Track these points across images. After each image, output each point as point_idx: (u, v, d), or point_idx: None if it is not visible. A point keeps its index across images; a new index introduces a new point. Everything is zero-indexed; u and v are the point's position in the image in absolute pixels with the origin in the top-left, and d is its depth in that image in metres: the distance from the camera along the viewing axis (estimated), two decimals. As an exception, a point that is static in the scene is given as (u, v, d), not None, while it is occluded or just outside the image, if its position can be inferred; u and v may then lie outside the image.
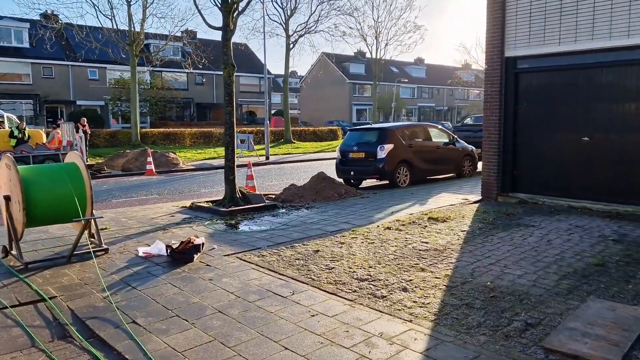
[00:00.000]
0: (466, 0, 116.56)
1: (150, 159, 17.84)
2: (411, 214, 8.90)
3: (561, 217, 8.14)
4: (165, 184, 15.21)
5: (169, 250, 6.28)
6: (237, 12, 9.67)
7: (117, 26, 26.59)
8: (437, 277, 5.39)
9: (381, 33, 42.87)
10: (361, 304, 4.71)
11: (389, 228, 7.68)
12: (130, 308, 4.66)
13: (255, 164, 21.28)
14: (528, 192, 9.63)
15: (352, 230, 7.60)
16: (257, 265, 5.98)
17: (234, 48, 10.88)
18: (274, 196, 11.01)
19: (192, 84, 51.17)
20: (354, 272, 5.63)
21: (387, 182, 13.11)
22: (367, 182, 13.94)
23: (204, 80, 48.95)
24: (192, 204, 10.07)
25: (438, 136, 14.33)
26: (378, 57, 44.07)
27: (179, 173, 18.42)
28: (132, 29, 26.60)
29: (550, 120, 9.24)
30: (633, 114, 8.28)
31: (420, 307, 4.62)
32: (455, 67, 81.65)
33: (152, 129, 30.71)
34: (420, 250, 6.43)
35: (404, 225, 7.88)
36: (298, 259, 6.16)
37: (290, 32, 33.11)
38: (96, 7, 24.35)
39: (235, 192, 9.88)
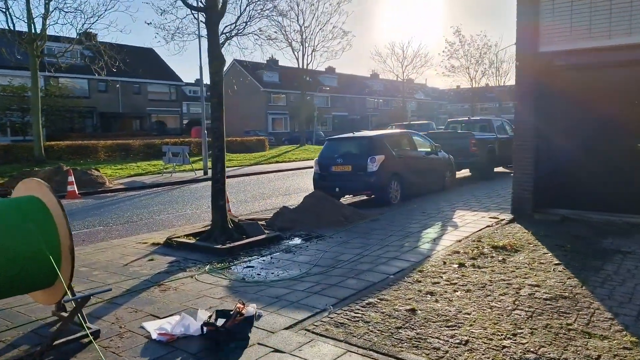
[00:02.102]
0: (380, 8, 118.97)
1: (71, 178, 14.69)
2: (459, 241, 7.29)
3: (642, 239, 6.95)
4: (101, 210, 12.33)
5: (205, 329, 4.08)
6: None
7: (12, 22, 22.51)
8: (625, 348, 3.78)
9: (308, 38, 41.36)
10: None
11: (462, 265, 5.98)
12: None
13: (193, 180, 18.72)
14: (570, 207, 8.43)
15: (419, 271, 5.80)
16: (349, 343, 3.99)
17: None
18: (264, 222, 8.88)
19: (94, 91, 46.25)
20: (503, 346, 3.85)
21: (372, 198, 11.37)
22: (345, 199, 12.18)
23: (117, 86, 44.28)
24: (168, 239, 7.67)
25: (421, 145, 12.96)
26: (305, 63, 42.47)
27: (109, 194, 15.40)
28: (33, 25, 22.65)
29: (596, 124, 8.12)
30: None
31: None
32: (364, 76, 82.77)
33: (58, 142, 26.47)
34: (545, 299, 4.79)
35: (474, 259, 6.23)
36: (400, 328, 4.24)
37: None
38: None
39: (226, 222, 7.66)
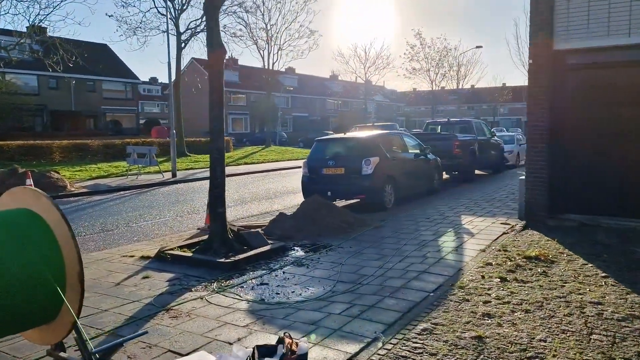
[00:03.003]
0: (338, 9, 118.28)
1: (30, 181, 13.33)
2: (483, 250, 6.76)
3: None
4: (68, 217, 11.13)
5: (250, 373, 3.32)
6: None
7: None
8: None
9: (274, 37, 40.29)
10: None
11: (504, 279, 5.43)
12: None
13: (163, 183, 17.61)
14: (584, 212, 8.08)
15: (460, 287, 5.21)
16: (425, 384, 3.32)
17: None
18: (261, 230, 8.09)
19: (44, 88, 43.61)
20: (606, 382, 3.28)
21: (364, 202, 10.66)
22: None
23: (73, 82, 41.90)
24: (160, 252, 6.77)
25: (412, 147, 12.47)
26: (271, 62, 41.39)
27: (72, 199, 14.11)
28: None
29: (613, 125, 7.80)
30: None
31: None
32: (324, 77, 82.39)
33: (8, 142, 24.49)
34: (617, 320, 4.28)
35: (512, 272, 5.70)
36: (476, 361, 3.62)
37: (182, 29, 29.25)
38: None
39: (226, 231, 6.85)
